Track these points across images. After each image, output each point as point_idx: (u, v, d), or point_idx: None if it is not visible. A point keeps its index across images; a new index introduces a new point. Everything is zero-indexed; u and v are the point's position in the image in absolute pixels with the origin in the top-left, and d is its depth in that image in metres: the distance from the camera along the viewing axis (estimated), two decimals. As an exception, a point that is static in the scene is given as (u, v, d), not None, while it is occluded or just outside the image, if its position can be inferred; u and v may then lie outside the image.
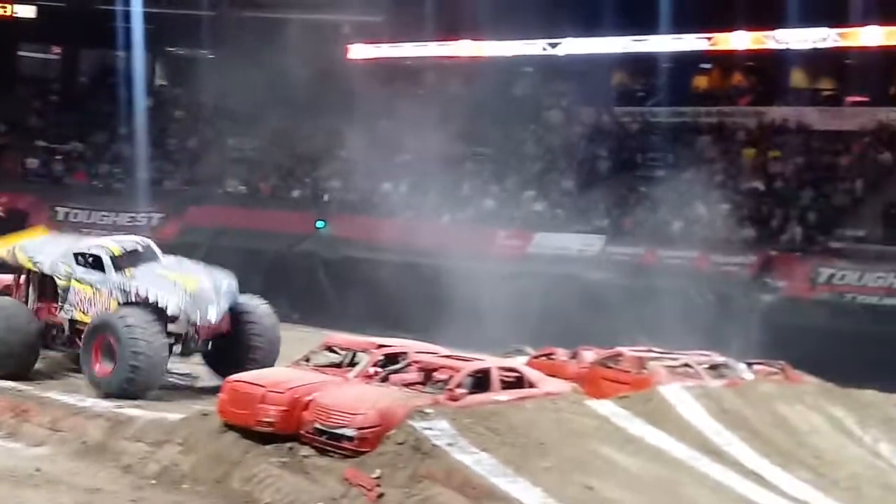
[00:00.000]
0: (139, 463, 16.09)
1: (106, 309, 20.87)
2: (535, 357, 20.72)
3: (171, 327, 20.58)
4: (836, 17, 35.59)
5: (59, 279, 21.56)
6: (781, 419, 16.94)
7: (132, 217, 40.71)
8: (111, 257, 21.37)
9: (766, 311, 29.49)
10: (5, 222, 34.51)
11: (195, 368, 21.96)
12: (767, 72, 39.69)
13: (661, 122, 39.54)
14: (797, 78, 38.71)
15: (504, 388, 15.63)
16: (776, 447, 16.11)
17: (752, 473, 15.25)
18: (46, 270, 21.80)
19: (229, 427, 15.63)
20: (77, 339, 21.09)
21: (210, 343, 21.12)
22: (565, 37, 40.50)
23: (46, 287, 21.93)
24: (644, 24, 37.97)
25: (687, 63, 40.19)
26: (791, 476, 15.40)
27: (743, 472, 15.19)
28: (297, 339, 21.67)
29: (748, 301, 29.96)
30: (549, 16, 37.75)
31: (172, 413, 17.65)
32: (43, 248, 22.43)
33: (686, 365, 18.85)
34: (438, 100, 38.25)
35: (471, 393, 15.25)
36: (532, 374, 16.40)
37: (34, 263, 22.02)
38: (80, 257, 21.59)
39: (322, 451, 14.66)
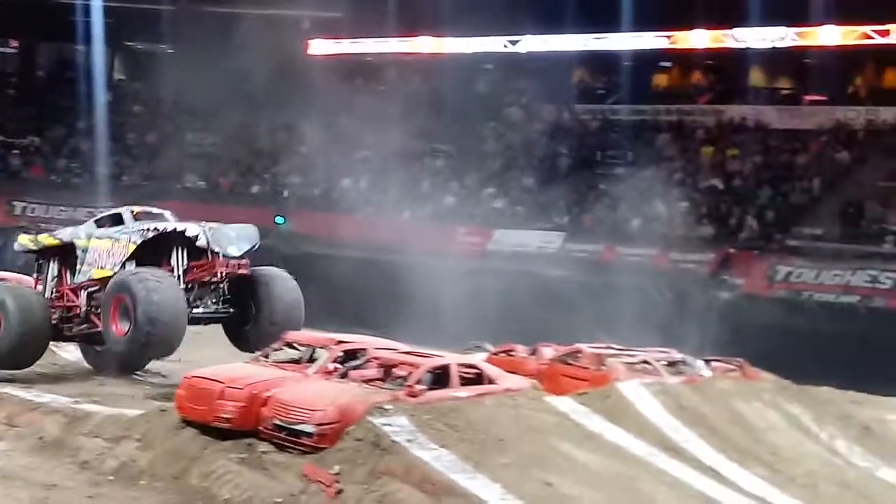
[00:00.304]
0: (96, 459, 15.98)
1: (124, 255, 20.36)
2: (495, 354, 20.72)
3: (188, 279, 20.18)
4: (795, 16, 35.85)
5: (79, 240, 21.16)
6: (739, 416, 17.03)
7: (90, 212, 40.40)
8: (132, 213, 21.24)
9: (724, 309, 29.66)
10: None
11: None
12: (726, 70, 39.92)
13: (621, 119, 39.73)
14: (756, 77, 38.94)
15: (463, 385, 15.62)
16: (733, 444, 16.18)
17: (710, 470, 15.31)
18: (66, 238, 21.46)
19: (187, 423, 15.55)
20: (95, 317, 20.76)
21: (228, 290, 20.44)
22: (526, 34, 40.59)
23: (66, 267, 21.62)
24: (604, 22, 38.13)
25: (647, 61, 40.38)
26: (748, 472, 15.48)
27: (700, 469, 15.25)
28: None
29: (706, 298, 30.13)
30: (510, 13, 37.79)
31: (130, 409, 17.56)
32: (64, 229, 22.34)
33: (644, 362, 18.90)
34: (398, 96, 38.22)
35: (430, 389, 15.23)
36: (491, 370, 16.40)
37: (55, 237, 21.78)
38: (100, 221, 21.43)
39: (281, 448, 14.61)
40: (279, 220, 38.31)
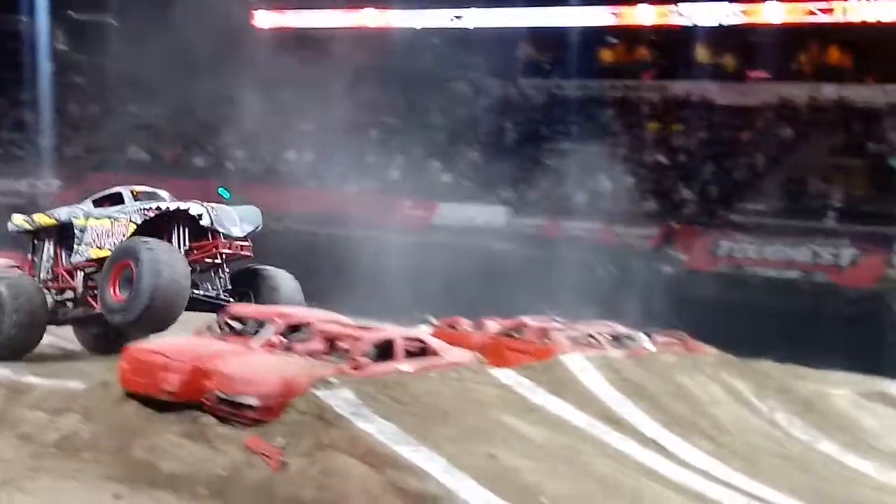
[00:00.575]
0: (38, 431, 15.85)
1: (123, 235, 19.75)
2: (440, 327, 20.78)
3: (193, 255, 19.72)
4: (740, -8, 36.05)
5: (77, 219, 20.66)
6: (681, 389, 17.17)
7: (32, 184, 40.12)
8: (131, 192, 20.82)
9: (668, 283, 29.82)
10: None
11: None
12: (672, 46, 40.02)
13: (566, 94, 39.78)
14: (701, 53, 39.07)
15: (408, 358, 15.62)
16: (676, 417, 16.32)
17: (652, 442, 15.43)
18: (64, 218, 20.96)
19: (130, 396, 15.45)
20: (91, 298, 20.41)
21: (228, 276, 20.01)
22: (472, 8, 40.53)
23: (62, 247, 21.23)
24: (551, -4, 38.18)
25: (592, 37, 40.41)
26: (690, 445, 15.61)
27: (643, 442, 15.37)
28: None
29: (650, 273, 30.27)
30: (457, -13, 37.80)
31: (73, 382, 17.44)
32: (60, 208, 21.84)
33: (588, 335, 19.01)
34: (344, 69, 38.09)
35: (375, 362, 15.24)
36: (436, 343, 16.41)
37: (51, 216, 21.31)
38: (98, 200, 21.01)
39: (224, 420, 14.54)
40: (223, 192, 37.96)
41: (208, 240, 19.71)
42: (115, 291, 19.06)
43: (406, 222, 34.54)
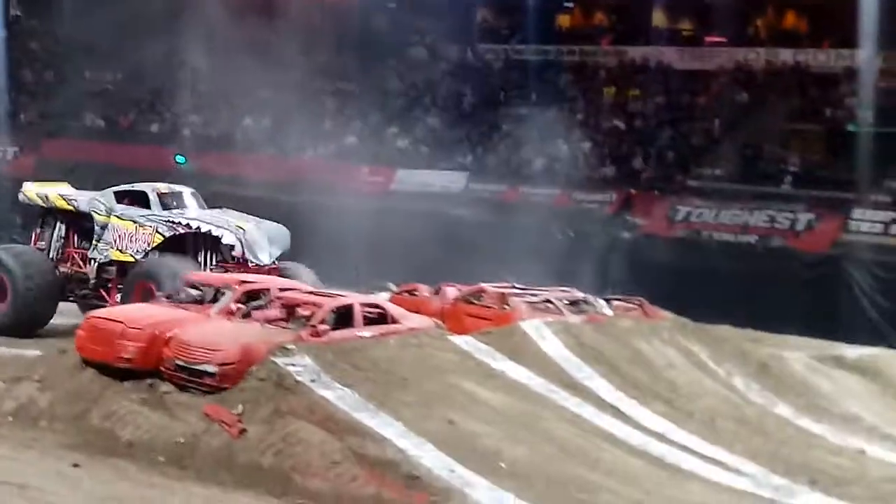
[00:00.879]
0: (-5, 400, 15.81)
1: (148, 244, 19.68)
2: (398, 293, 20.79)
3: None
4: (696, -43, 36.08)
5: (98, 214, 20.20)
6: (639, 354, 17.28)
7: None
8: (157, 194, 20.47)
9: (625, 249, 29.91)
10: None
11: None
12: (629, 11, 40.01)
13: (524, 60, 39.70)
14: (657, 18, 39.08)
15: (367, 325, 15.64)
16: (634, 381, 16.42)
17: (611, 407, 15.53)
18: (83, 207, 20.45)
19: (88, 364, 15.40)
20: (104, 290, 20.03)
21: None
22: (429, -28, 40.38)
23: (75, 232, 20.84)
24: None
25: (550, 2, 40.36)
26: (648, 409, 15.73)
27: (602, 406, 15.47)
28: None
29: (608, 238, 30.34)
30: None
31: (30, 350, 17.36)
32: (78, 193, 21.43)
33: (547, 301, 19.06)
34: (301, 35, 37.86)
35: (334, 329, 15.24)
36: (395, 310, 16.43)
37: (69, 202, 20.90)
38: (120, 195, 20.61)
39: (183, 388, 14.53)
40: (179, 159, 37.84)
41: (236, 262, 19.60)
42: None
43: (364, 189, 34.44)
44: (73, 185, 22.33)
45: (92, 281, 20.37)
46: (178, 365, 14.61)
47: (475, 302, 19.42)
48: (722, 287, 27.01)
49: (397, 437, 12.90)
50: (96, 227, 20.30)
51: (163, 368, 14.78)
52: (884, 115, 30.04)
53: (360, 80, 40.17)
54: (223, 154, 37.31)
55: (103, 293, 20.07)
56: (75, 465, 13.32)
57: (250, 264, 19.70)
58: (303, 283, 19.57)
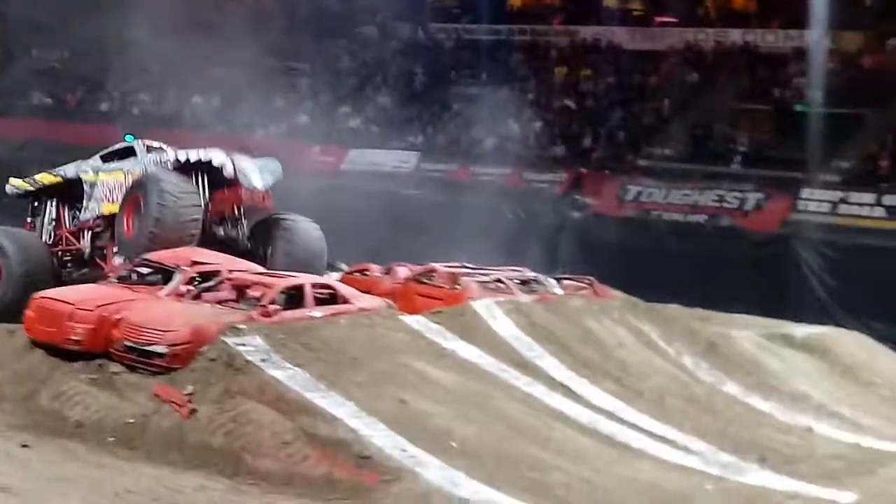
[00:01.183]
0: (-58, 381, 15.68)
1: None
2: (349, 273, 20.77)
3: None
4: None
5: (86, 175, 19.98)
6: (589, 333, 17.34)
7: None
8: (146, 146, 20.23)
9: (576, 228, 30.02)
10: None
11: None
12: (580, -9, 40.11)
13: (475, 39, 39.70)
14: (609, -2, 39.22)
15: (318, 305, 15.60)
16: (584, 360, 16.48)
17: (561, 386, 15.59)
18: (71, 174, 20.17)
19: (36, 344, 15.30)
20: (100, 259, 19.76)
21: (247, 228, 19.71)
22: (380, -50, 40.31)
23: (66, 207, 20.51)
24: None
25: (502, -20, 40.42)
26: (598, 388, 15.79)
27: (552, 385, 15.51)
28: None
29: (558, 217, 30.44)
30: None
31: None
32: (64, 165, 21.12)
33: (498, 280, 19.08)
34: (252, 12, 37.68)
35: (284, 309, 15.21)
36: (346, 290, 16.41)
37: (55, 174, 20.61)
38: (106, 156, 20.35)
39: (133, 369, 14.45)
40: (128, 137, 37.48)
41: (229, 190, 19.43)
42: (126, 226, 18.61)
43: (315, 168, 34.34)
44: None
45: (87, 252, 20.13)
46: (127, 346, 14.52)
47: (426, 282, 19.41)
48: (671, 266, 27.16)
49: (348, 416, 12.89)
50: (86, 188, 20.04)
51: (112, 350, 14.69)
52: (832, 96, 30.29)
53: (311, 59, 40.04)
54: (172, 132, 37.03)
55: (99, 262, 19.85)
56: (24, 446, 13.22)
57: (242, 189, 19.47)
58: (304, 239, 19.73)
